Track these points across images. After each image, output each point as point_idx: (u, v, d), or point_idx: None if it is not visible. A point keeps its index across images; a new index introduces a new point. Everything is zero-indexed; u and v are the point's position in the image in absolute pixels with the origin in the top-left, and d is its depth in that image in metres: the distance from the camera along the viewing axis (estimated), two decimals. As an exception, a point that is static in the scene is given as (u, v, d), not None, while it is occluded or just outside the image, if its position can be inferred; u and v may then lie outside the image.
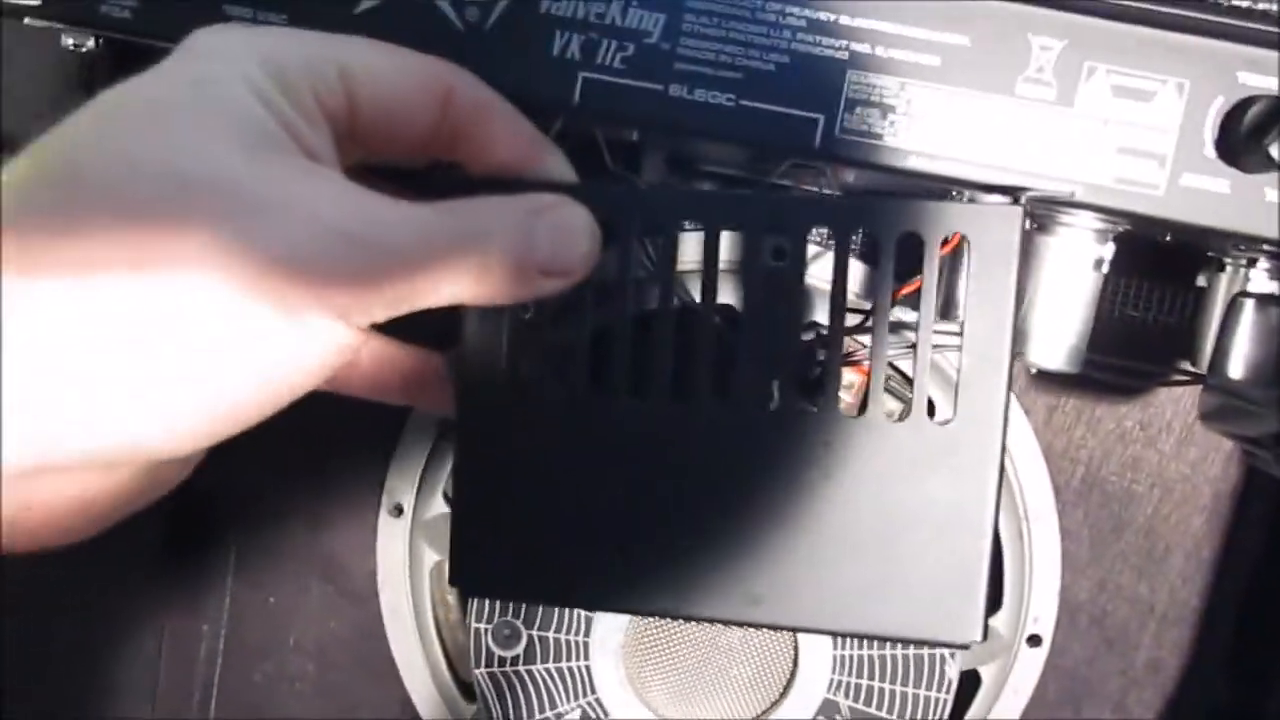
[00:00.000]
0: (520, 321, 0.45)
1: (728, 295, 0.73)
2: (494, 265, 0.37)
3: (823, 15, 0.43)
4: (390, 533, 0.79)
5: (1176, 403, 0.74)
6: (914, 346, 0.70)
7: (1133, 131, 0.43)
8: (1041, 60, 0.43)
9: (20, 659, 0.66)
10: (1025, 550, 0.75)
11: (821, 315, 0.71)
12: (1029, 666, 0.77)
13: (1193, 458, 0.75)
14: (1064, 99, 0.43)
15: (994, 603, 0.76)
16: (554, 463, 0.45)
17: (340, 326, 0.35)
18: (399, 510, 0.79)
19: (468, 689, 0.79)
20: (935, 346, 0.70)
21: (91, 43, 0.52)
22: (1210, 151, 0.43)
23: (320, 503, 0.81)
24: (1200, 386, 0.70)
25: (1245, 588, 0.76)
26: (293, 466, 0.81)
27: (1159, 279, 0.72)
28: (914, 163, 0.44)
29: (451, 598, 0.80)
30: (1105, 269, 0.52)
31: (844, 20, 0.43)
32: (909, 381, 0.71)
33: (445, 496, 0.77)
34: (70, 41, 0.51)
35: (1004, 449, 0.44)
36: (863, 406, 0.69)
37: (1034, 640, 0.77)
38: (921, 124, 0.44)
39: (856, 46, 0.44)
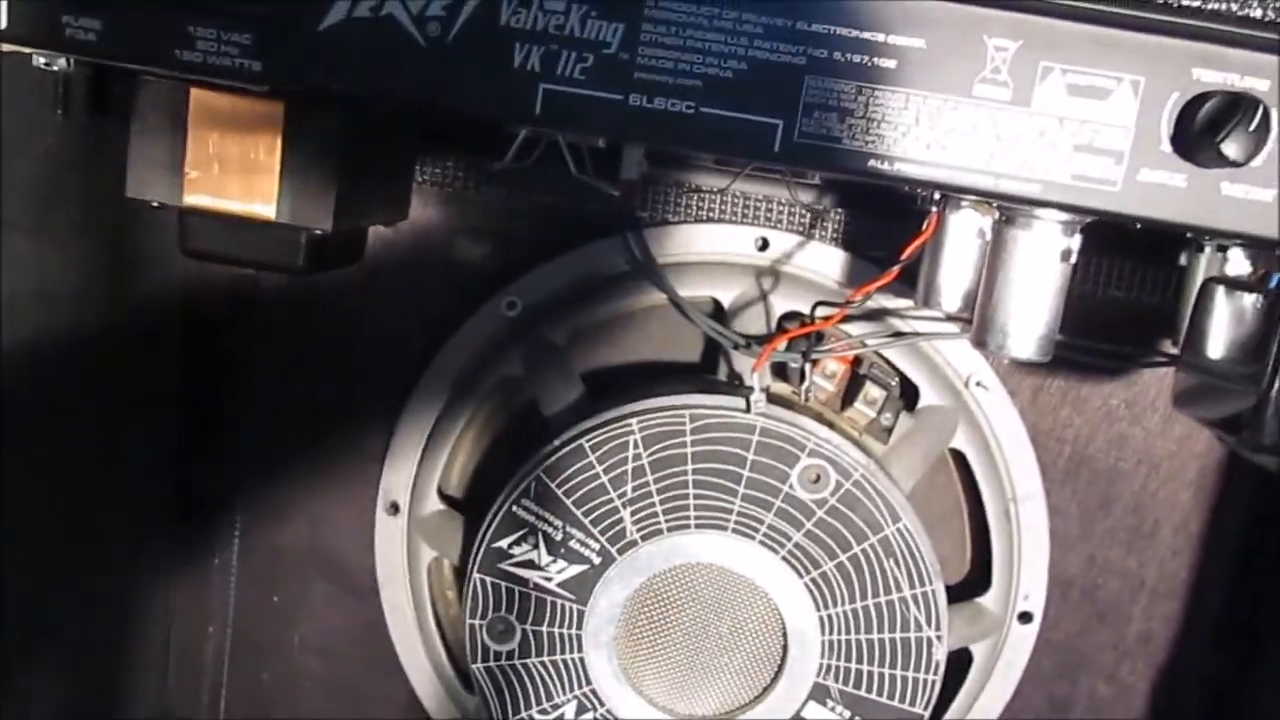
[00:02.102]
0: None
1: (711, 286, 0.74)
2: None
3: (779, 21, 0.44)
4: (388, 530, 0.80)
5: (1161, 381, 0.75)
6: (896, 334, 0.71)
7: (1089, 129, 0.44)
8: (997, 61, 0.44)
9: (27, 665, 0.68)
10: (1014, 529, 0.76)
11: (804, 304, 0.72)
12: (1021, 642, 0.78)
13: (1178, 434, 0.76)
14: (1021, 99, 0.44)
15: (983, 582, 0.77)
16: None
17: None
18: (395, 508, 0.80)
19: (469, 680, 0.81)
20: (923, 334, 0.71)
21: (63, 62, 0.53)
22: (1167, 147, 0.44)
23: (319, 502, 0.82)
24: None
25: (1232, 560, 0.77)
26: (291, 467, 0.82)
27: (1143, 259, 0.72)
28: (873, 165, 0.45)
29: (450, 592, 0.82)
30: (1073, 259, 0.52)
31: (800, 26, 0.44)
32: (893, 368, 0.72)
33: (440, 493, 0.78)
34: (41, 61, 0.52)
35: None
36: (846, 398, 0.71)
37: (1025, 617, 0.78)
38: (880, 127, 0.44)
39: (814, 51, 0.44)
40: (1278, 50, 0.42)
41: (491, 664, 0.68)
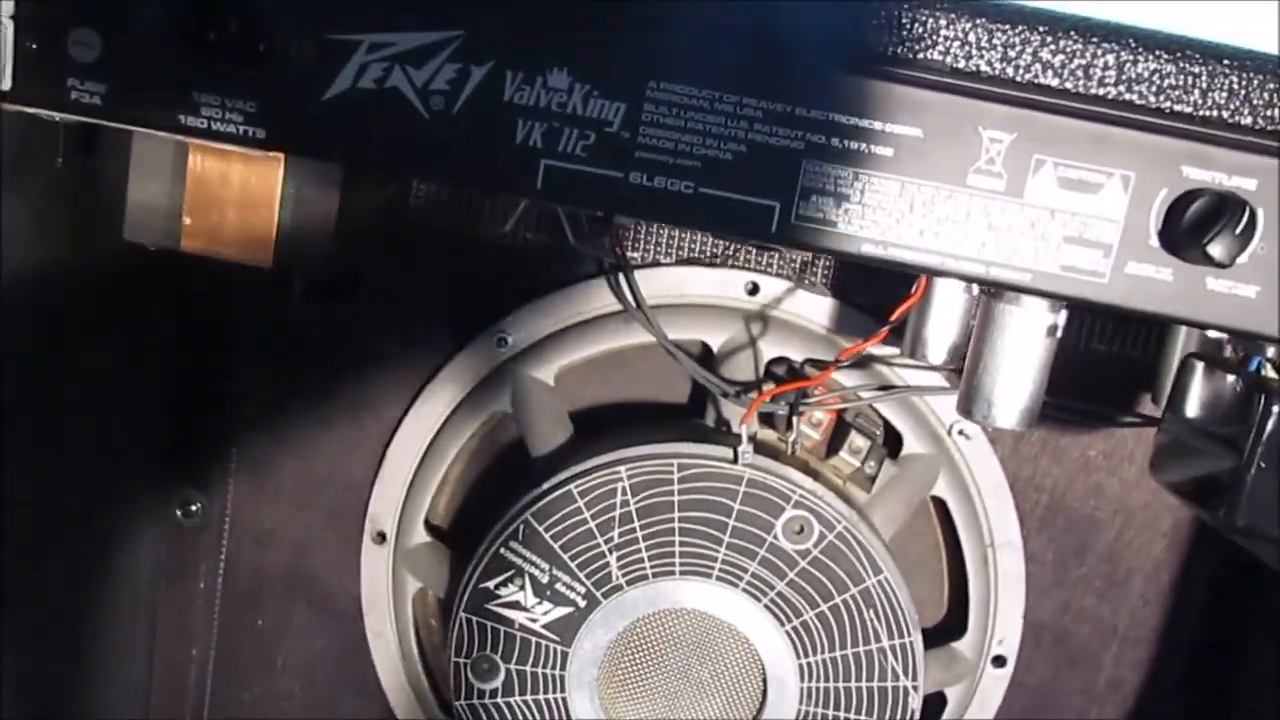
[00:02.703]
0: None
1: (701, 330, 0.74)
2: None
3: (779, 106, 0.45)
4: (373, 559, 0.81)
5: (1138, 434, 0.76)
6: (885, 388, 0.72)
7: (1079, 221, 0.45)
8: (992, 152, 0.44)
9: (13, 688, 0.68)
10: (990, 575, 0.77)
11: (792, 350, 0.73)
12: (994, 686, 0.80)
13: (1153, 486, 0.77)
14: (1014, 190, 0.45)
15: (959, 625, 0.78)
16: None
17: None
18: (381, 537, 0.80)
19: (450, 709, 0.82)
20: (912, 389, 0.72)
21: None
22: (1154, 242, 0.45)
23: (304, 527, 0.83)
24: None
25: (1200, 611, 0.78)
26: (277, 492, 0.82)
27: (1124, 314, 0.73)
28: (868, 249, 0.46)
29: (434, 621, 0.82)
30: (1058, 334, 0.53)
31: (800, 111, 0.45)
32: (881, 419, 0.73)
33: (427, 524, 0.79)
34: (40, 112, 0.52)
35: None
36: (831, 446, 0.72)
37: (999, 661, 0.79)
38: (875, 212, 0.45)
39: (812, 137, 0.45)
40: (1265, 152, 0.43)
41: (475, 701, 0.69)
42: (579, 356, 0.75)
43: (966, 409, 0.55)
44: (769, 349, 0.73)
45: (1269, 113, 0.42)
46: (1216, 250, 0.42)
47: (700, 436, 0.69)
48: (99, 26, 0.45)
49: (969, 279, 0.46)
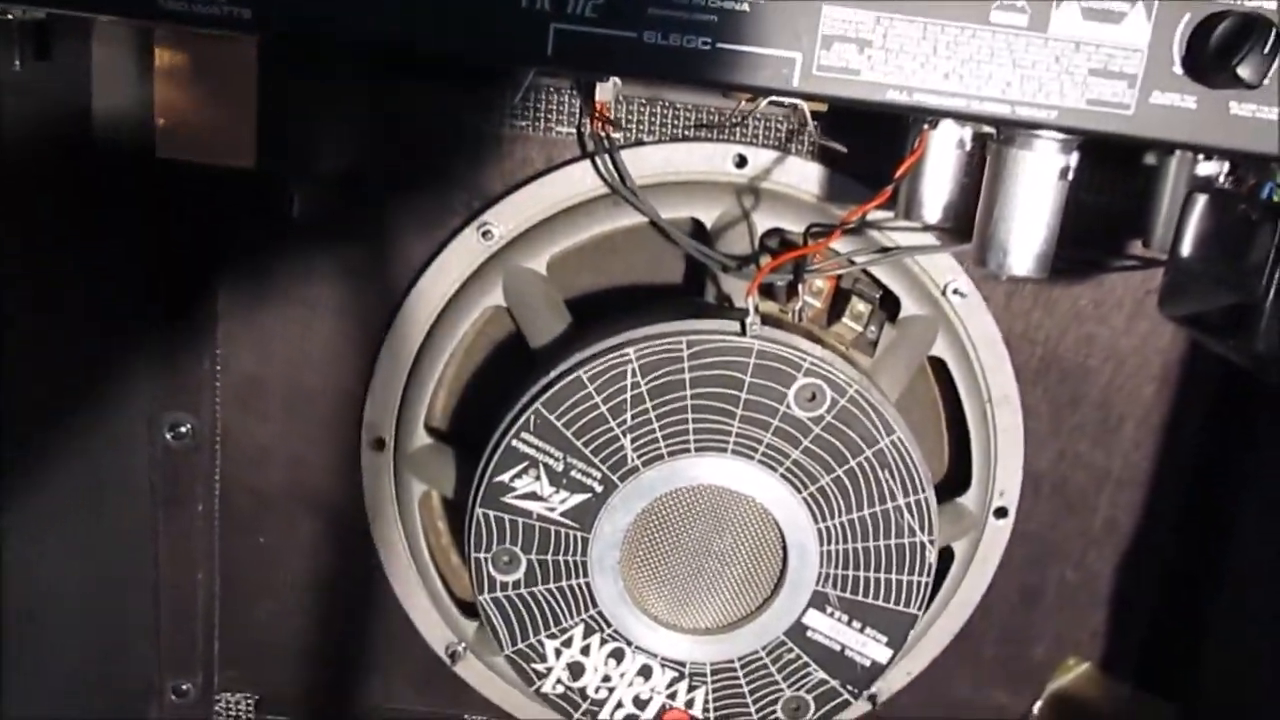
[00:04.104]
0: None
1: (692, 207, 0.73)
2: None
3: (796, -48, 0.43)
4: (374, 466, 0.80)
5: (1126, 280, 0.77)
6: (883, 250, 0.72)
7: (1104, 53, 0.44)
8: (1014, -16, 0.43)
9: (16, 637, 0.67)
10: (990, 430, 0.79)
11: (786, 221, 0.72)
12: (997, 537, 0.82)
13: (1143, 331, 0.79)
14: (1037, 25, 0.44)
15: (961, 481, 0.80)
16: None
17: None
18: (380, 444, 0.79)
19: (465, 606, 0.82)
20: (911, 249, 0.72)
21: (18, 10, 0.49)
22: (1178, 69, 0.44)
23: (300, 441, 0.81)
24: (1149, 267, 0.73)
25: (1194, 451, 0.81)
26: (268, 408, 0.81)
27: (1109, 162, 0.74)
28: (892, 96, 0.45)
29: (441, 523, 0.82)
30: (1070, 176, 0.53)
31: (817, -45, 0.43)
32: (878, 283, 0.73)
33: (426, 426, 0.78)
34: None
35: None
36: (831, 313, 0.72)
37: (1000, 513, 0.81)
38: (898, 57, 0.44)
39: (831, -20, 0.43)
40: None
41: (499, 594, 0.69)
42: (570, 243, 0.74)
43: (981, 258, 0.55)
44: (762, 221, 0.72)
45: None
46: (1246, 71, 0.42)
47: (704, 313, 0.69)
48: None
49: (996, 120, 0.45)
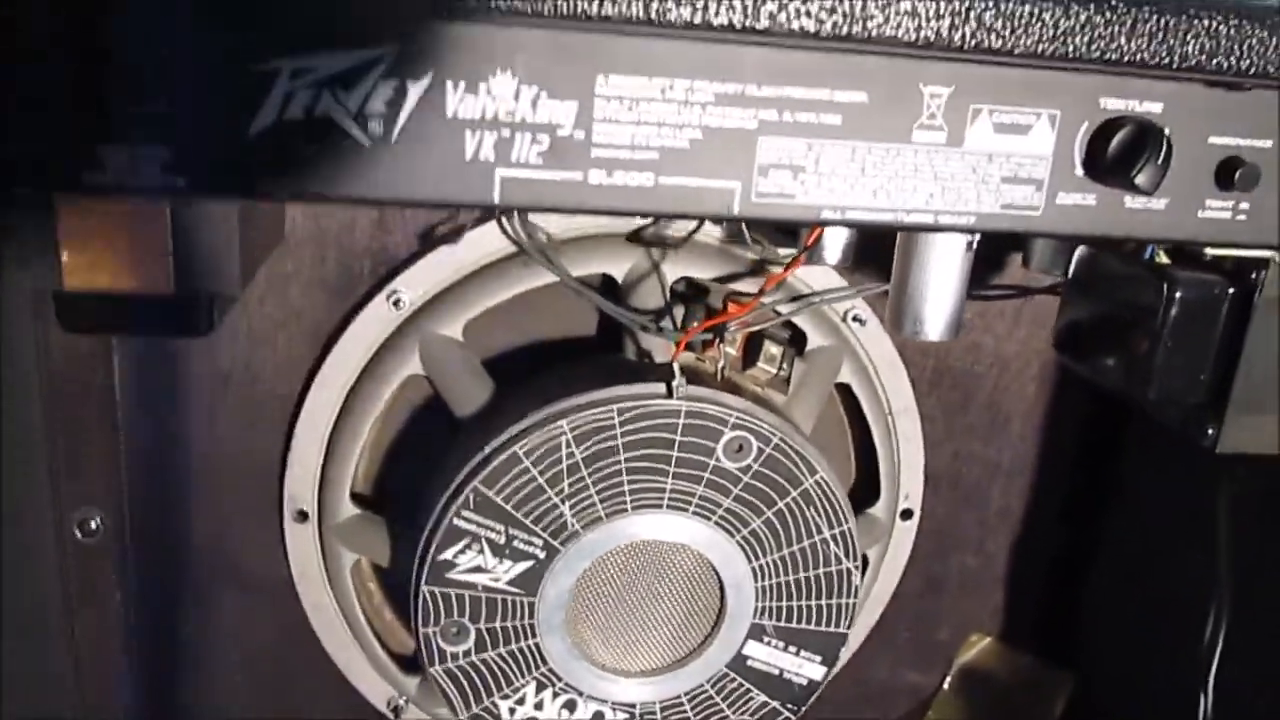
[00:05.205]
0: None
1: (601, 262, 0.74)
2: None
3: (730, 88, 0.44)
4: (299, 537, 0.79)
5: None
6: (798, 296, 0.75)
7: (1014, 162, 0.47)
8: (933, 107, 0.46)
9: None
10: (894, 441, 0.84)
11: (695, 269, 0.74)
12: (904, 537, 0.88)
13: (1022, 337, 0.85)
14: (954, 140, 0.47)
15: (868, 488, 0.84)
16: None
17: None
18: (303, 515, 0.79)
19: (402, 660, 0.83)
20: (824, 295, 0.75)
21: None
22: (1079, 171, 0.48)
23: (217, 521, 0.79)
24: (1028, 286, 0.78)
25: (1074, 441, 0.88)
26: (179, 490, 0.79)
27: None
28: (826, 215, 0.47)
29: (371, 584, 0.82)
30: (974, 248, 0.57)
31: (750, 90, 0.44)
32: (792, 328, 0.76)
33: (354, 497, 0.78)
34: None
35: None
36: (745, 356, 0.75)
37: (906, 514, 0.87)
38: (830, 179, 0.46)
39: (764, 114, 0.45)
40: (1169, 78, 0.47)
41: (450, 664, 0.70)
42: (483, 307, 0.74)
43: (898, 326, 0.59)
44: (672, 270, 0.74)
45: (1166, 45, 0.44)
46: (1143, 180, 0.46)
47: (628, 373, 0.70)
48: None
49: (921, 229, 0.48)
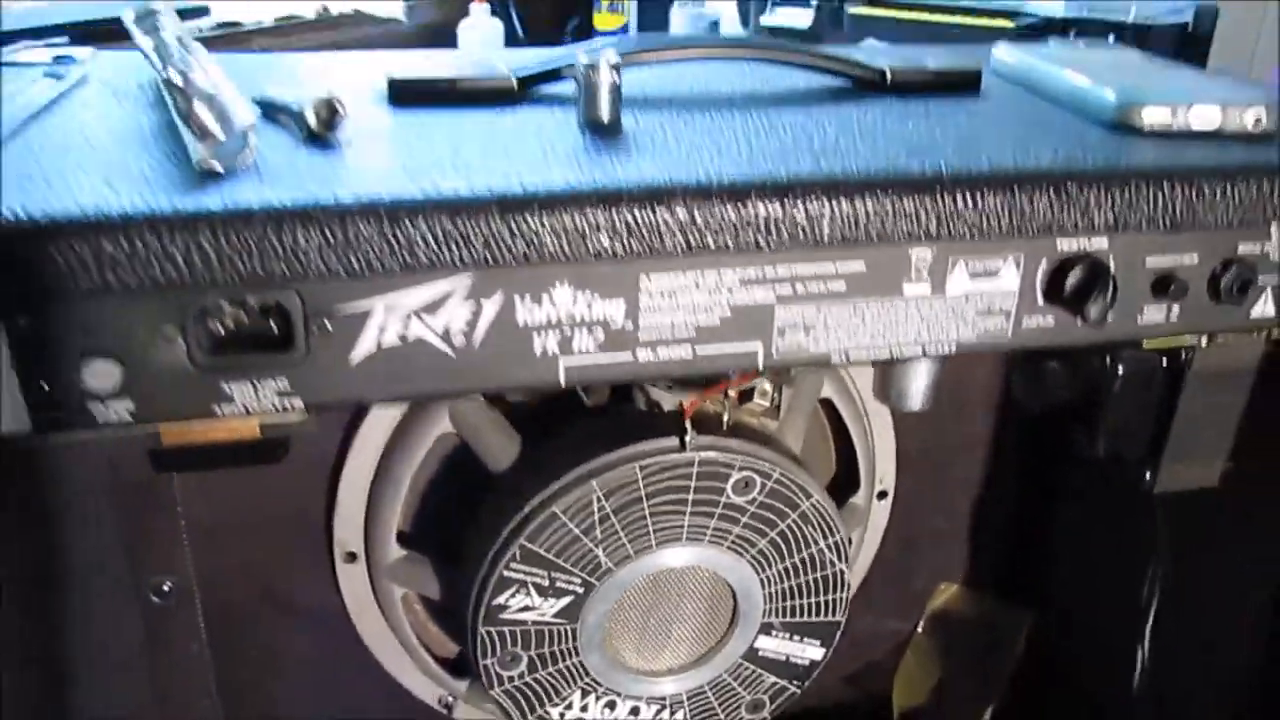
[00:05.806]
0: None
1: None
2: None
3: (751, 273, 0.52)
4: (351, 576, 0.88)
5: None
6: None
7: (986, 299, 0.56)
8: (919, 266, 0.54)
9: None
10: (870, 439, 0.94)
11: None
12: (881, 514, 0.99)
13: (979, 333, 0.95)
14: (937, 289, 0.55)
15: (850, 479, 0.95)
16: None
17: None
18: (352, 557, 0.87)
19: (452, 665, 0.93)
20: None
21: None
22: (1040, 300, 0.57)
23: (271, 566, 0.88)
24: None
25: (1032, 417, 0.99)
26: (236, 547, 0.87)
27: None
28: (834, 358, 0.56)
29: (417, 605, 0.92)
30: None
31: (769, 272, 0.52)
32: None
33: (400, 537, 0.86)
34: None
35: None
36: (741, 393, 0.84)
37: (882, 495, 0.98)
38: (835, 332, 0.55)
39: (780, 290, 0.53)
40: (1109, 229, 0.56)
41: (508, 686, 0.81)
42: (503, 368, 0.81)
43: (883, 398, 0.68)
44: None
45: (1106, 216, 0.53)
46: (1093, 312, 0.55)
47: (642, 426, 0.79)
48: (116, 358, 0.46)
49: (911, 358, 0.57)
